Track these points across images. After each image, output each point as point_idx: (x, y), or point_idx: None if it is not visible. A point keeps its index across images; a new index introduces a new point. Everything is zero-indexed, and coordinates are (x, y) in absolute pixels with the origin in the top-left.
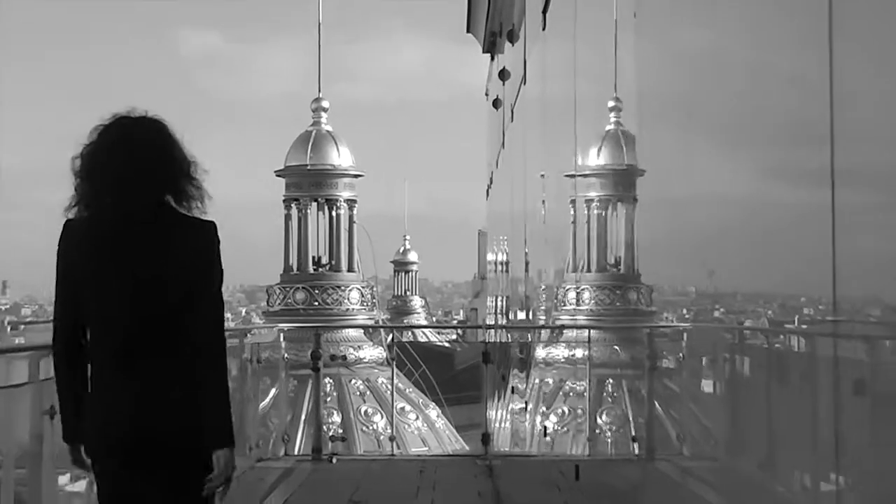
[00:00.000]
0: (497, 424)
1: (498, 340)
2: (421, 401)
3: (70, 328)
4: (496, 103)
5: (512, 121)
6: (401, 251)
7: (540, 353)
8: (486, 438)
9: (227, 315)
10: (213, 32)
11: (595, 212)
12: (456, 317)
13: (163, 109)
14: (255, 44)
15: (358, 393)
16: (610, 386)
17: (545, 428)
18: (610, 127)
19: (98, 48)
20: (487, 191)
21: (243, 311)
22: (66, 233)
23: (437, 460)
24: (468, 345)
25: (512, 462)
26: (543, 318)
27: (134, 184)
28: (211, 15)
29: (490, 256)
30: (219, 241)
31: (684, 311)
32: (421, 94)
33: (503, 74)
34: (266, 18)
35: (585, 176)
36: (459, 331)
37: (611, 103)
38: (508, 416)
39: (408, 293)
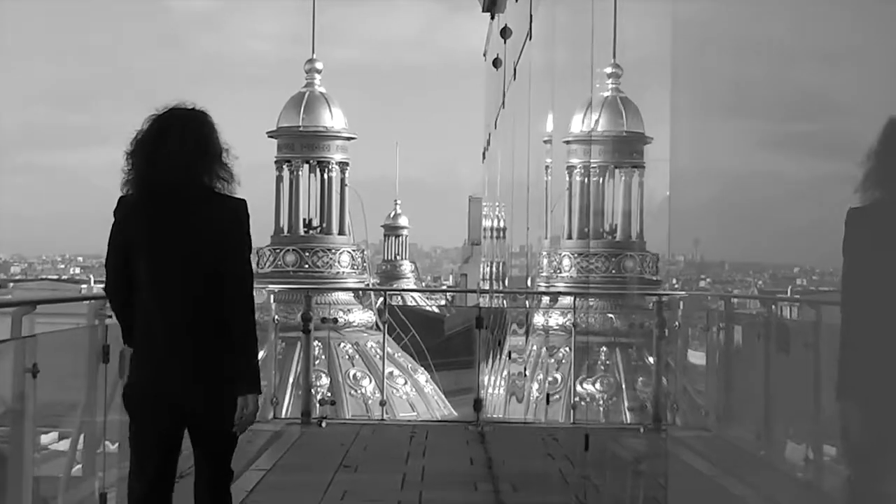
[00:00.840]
0: (489, 390)
1: (492, 305)
2: (410, 366)
3: (119, 287)
4: (496, 63)
5: (515, 79)
6: (391, 216)
7: (534, 319)
8: (477, 404)
9: None
10: None
11: (593, 178)
12: (445, 282)
13: (156, 69)
14: (249, 3)
15: (347, 357)
16: (603, 354)
17: (548, 396)
18: (607, 93)
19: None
20: (484, 153)
21: None
22: (121, 207)
23: (427, 425)
24: (457, 310)
25: (504, 429)
26: (540, 284)
27: (179, 166)
28: None
29: (486, 222)
30: (248, 216)
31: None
32: (415, 60)
33: (505, 32)
34: None
35: (583, 142)
36: (449, 296)
37: (608, 69)
38: (502, 382)
39: (398, 258)
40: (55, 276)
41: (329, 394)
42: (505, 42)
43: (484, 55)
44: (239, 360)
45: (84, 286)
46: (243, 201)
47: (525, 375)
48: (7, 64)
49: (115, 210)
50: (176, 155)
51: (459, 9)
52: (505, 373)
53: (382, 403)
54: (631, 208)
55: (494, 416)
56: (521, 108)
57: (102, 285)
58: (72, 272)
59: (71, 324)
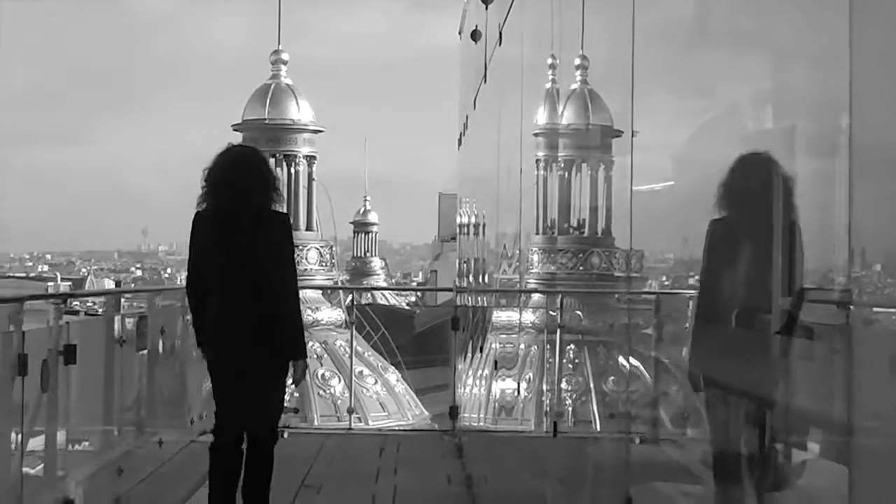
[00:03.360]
0: (466, 392)
1: (470, 304)
2: (380, 364)
3: (197, 283)
4: (475, 35)
5: (500, 44)
6: (361, 212)
7: (506, 317)
8: (453, 412)
9: (185, 274)
10: None
11: (558, 172)
12: (415, 279)
13: (119, 70)
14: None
15: (315, 356)
16: (571, 353)
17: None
18: (575, 86)
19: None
20: (460, 139)
21: None
22: (197, 221)
23: (399, 436)
24: (428, 307)
25: (482, 439)
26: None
27: (242, 191)
28: None
29: (461, 218)
30: (290, 226)
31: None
32: (383, 56)
33: (475, 35)
34: None
35: (550, 135)
36: (419, 293)
37: (577, 61)
38: (479, 385)
39: (367, 254)
40: (23, 274)
41: (296, 394)
42: (487, 7)
43: (459, 33)
44: (290, 334)
45: (51, 284)
46: (286, 215)
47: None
48: None
49: (194, 221)
50: (242, 183)
51: (426, 6)
52: (482, 376)
53: (350, 411)
54: (598, 203)
55: (471, 422)
56: (493, 108)
57: (69, 283)
58: (39, 269)
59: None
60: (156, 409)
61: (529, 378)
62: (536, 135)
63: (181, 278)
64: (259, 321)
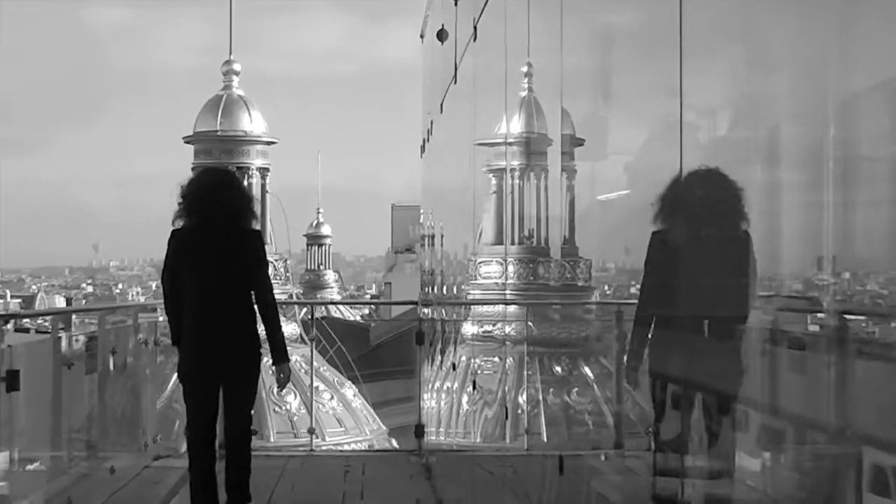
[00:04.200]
0: (433, 407)
1: (435, 317)
2: (336, 379)
3: (176, 298)
4: (441, 35)
5: (455, 83)
6: (314, 224)
7: (469, 329)
8: (419, 431)
9: (137, 290)
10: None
11: (513, 181)
12: (369, 291)
13: (71, 80)
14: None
15: (270, 372)
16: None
17: (506, 409)
18: (523, 94)
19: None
20: (423, 145)
21: (154, 285)
22: (175, 235)
23: (363, 456)
24: (383, 320)
25: (451, 458)
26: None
27: (217, 209)
28: None
29: (425, 228)
30: (263, 241)
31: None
32: (335, 70)
33: (441, 35)
34: None
35: (498, 144)
36: (373, 306)
37: (524, 68)
38: (446, 400)
39: (321, 267)
40: None
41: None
42: (456, 4)
43: (421, 37)
44: (276, 343)
45: (0, 300)
46: (258, 231)
47: (467, 391)
48: None
49: (171, 238)
50: (219, 203)
51: (377, 20)
52: (446, 390)
53: (311, 431)
54: (549, 213)
55: (438, 439)
56: (464, 103)
57: (19, 301)
58: None
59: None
60: (108, 433)
61: (503, 392)
62: (511, 143)
63: (132, 294)
64: (233, 329)
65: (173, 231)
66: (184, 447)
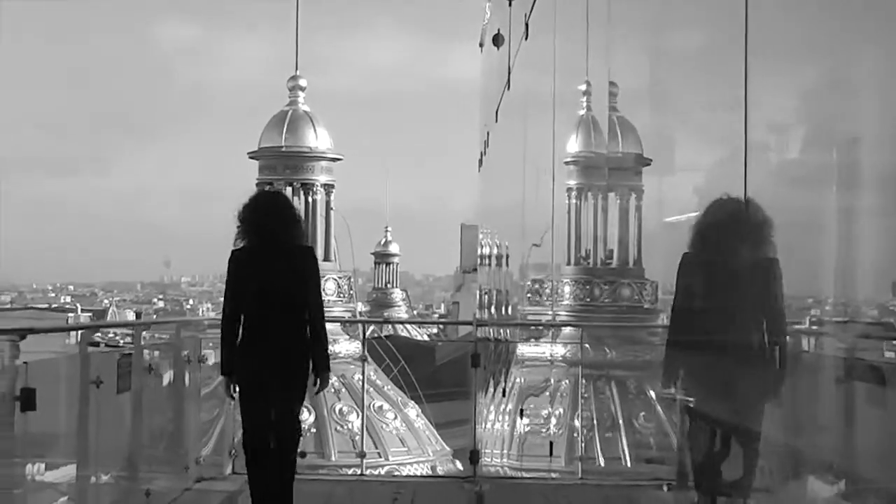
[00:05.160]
0: (488, 431)
1: (494, 338)
2: (400, 399)
3: (235, 313)
4: (497, 40)
5: (508, 89)
6: (382, 242)
7: (531, 350)
8: (474, 457)
9: (208, 306)
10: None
11: (587, 202)
12: (437, 310)
13: (140, 98)
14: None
15: (332, 390)
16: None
17: (551, 444)
18: (582, 112)
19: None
20: (481, 159)
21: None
22: (234, 257)
23: (414, 483)
24: (448, 340)
25: (506, 487)
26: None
27: (273, 231)
28: (192, 8)
29: (483, 248)
30: (316, 259)
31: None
32: (400, 87)
33: (497, 40)
34: (249, 9)
35: (576, 163)
36: (440, 325)
37: (582, 86)
38: (502, 424)
39: (388, 285)
40: (45, 305)
41: (313, 429)
42: (510, 4)
43: (480, 45)
44: (320, 353)
45: (72, 315)
46: (311, 248)
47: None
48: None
49: (230, 260)
50: (274, 224)
51: (442, 37)
52: (504, 412)
53: (362, 455)
54: (628, 233)
55: (493, 467)
56: (510, 142)
57: (90, 314)
58: (62, 301)
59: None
60: (143, 456)
61: (558, 415)
62: (567, 163)
63: (202, 309)
64: (289, 343)
65: (232, 252)
66: (229, 469)
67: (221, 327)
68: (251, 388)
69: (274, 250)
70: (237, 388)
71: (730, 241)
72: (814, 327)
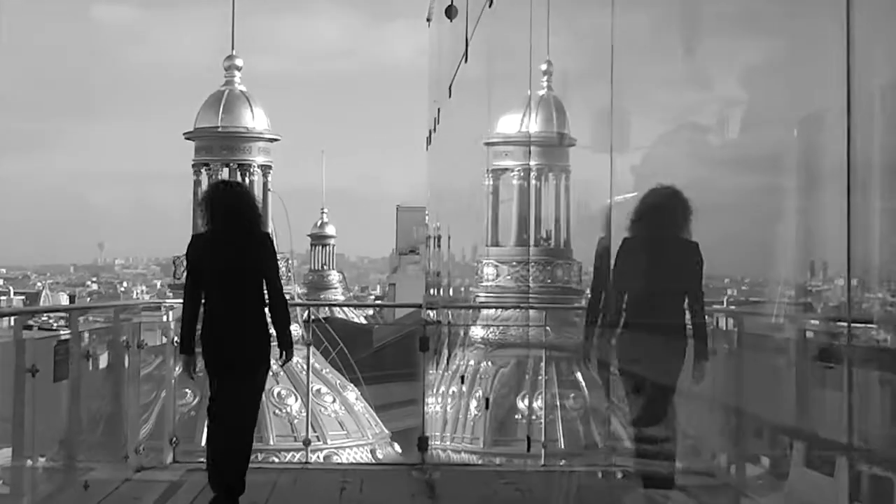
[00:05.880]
0: (437, 414)
1: (445, 321)
2: (339, 382)
3: (196, 292)
4: (450, 11)
5: (465, 61)
6: (318, 224)
7: (479, 332)
8: (423, 443)
9: (142, 288)
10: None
11: (519, 182)
12: (373, 292)
13: (77, 78)
14: (173, 14)
15: (271, 373)
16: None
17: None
18: (542, 92)
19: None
20: (429, 137)
21: (158, 283)
22: (195, 241)
23: (361, 471)
24: (386, 322)
25: (456, 474)
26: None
27: (233, 216)
28: None
29: (431, 228)
30: (273, 243)
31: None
32: (338, 69)
33: (450, 12)
34: None
35: (506, 144)
36: (380, 308)
37: (543, 66)
38: (451, 406)
39: (325, 267)
40: None
41: None
42: (451, 21)
43: (427, 20)
44: (283, 331)
45: (3, 298)
46: (268, 233)
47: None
48: None
49: (190, 244)
50: (233, 209)
51: (381, 20)
52: (452, 394)
53: (307, 443)
54: (559, 214)
55: (441, 451)
56: (458, 120)
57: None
58: None
59: None
60: (81, 445)
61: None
62: (490, 144)
63: (136, 292)
64: (247, 321)
65: (193, 235)
66: (170, 458)
67: (182, 307)
68: (216, 362)
69: (233, 235)
70: (196, 366)
71: (661, 225)
72: (731, 307)
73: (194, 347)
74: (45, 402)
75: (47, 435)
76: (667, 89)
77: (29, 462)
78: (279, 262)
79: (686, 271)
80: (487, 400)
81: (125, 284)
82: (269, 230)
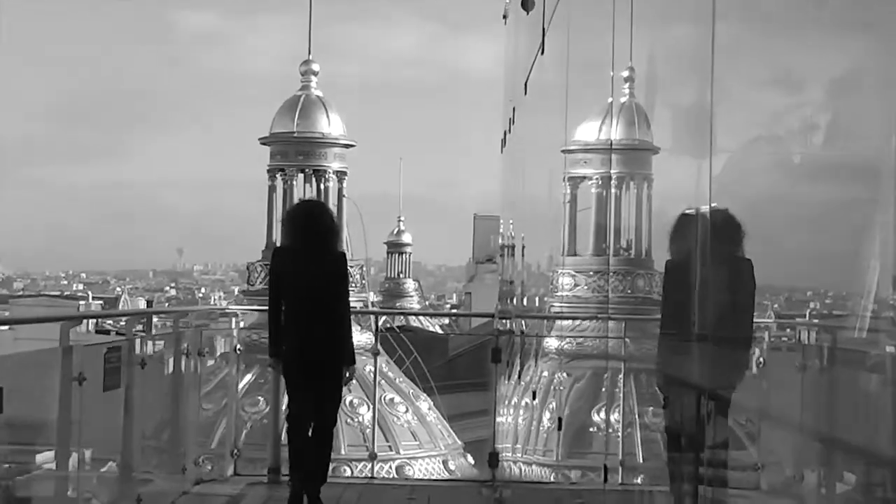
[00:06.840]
0: (509, 427)
1: (519, 331)
2: (412, 391)
3: (276, 301)
4: (527, 3)
5: (542, 53)
6: (395, 232)
7: (553, 343)
8: (493, 459)
9: (220, 294)
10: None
11: (600, 191)
12: (449, 301)
13: (156, 85)
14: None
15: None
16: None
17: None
18: (624, 99)
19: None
20: (503, 139)
21: (235, 290)
22: (277, 254)
23: (429, 486)
24: (462, 332)
25: (527, 491)
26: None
27: (312, 233)
28: None
29: (505, 237)
30: (347, 263)
31: None
32: (415, 76)
33: (527, 3)
34: None
35: (586, 151)
36: (455, 317)
37: (625, 73)
38: (523, 419)
39: (401, 275)
40: (57, 293)
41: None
42: (528, 14)
43: (504, 17)
44: (345, 346)
45: (83, 303)
46: (343, 252)
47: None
48: (7, 77)
49: (273, 254)
50: (313, 227)
51: (458, 29)
52: (525, 406)
53: (373, 457)
54: (642, 223)
55: (512, 464)
56: (535, 125)
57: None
58: (74, 288)
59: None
60: (136, 458)
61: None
62: (568, 151)
63: (214, 298)
64: (323, 334)
65: (275, 248)
66: (230, 470)
67: (268, 315)
68: (292, 369)
69: (311, 251)
70: (285, 373)
71: (695, 247)
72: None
73: (279, 352)
74: (96, 413)
75: (100, 447)
76: (761, 96)
77: (73, 472)
78: (352, 270)
79: (737, 287)
80: (560, 420)
81: (203, 290)
82: (344, 237)
